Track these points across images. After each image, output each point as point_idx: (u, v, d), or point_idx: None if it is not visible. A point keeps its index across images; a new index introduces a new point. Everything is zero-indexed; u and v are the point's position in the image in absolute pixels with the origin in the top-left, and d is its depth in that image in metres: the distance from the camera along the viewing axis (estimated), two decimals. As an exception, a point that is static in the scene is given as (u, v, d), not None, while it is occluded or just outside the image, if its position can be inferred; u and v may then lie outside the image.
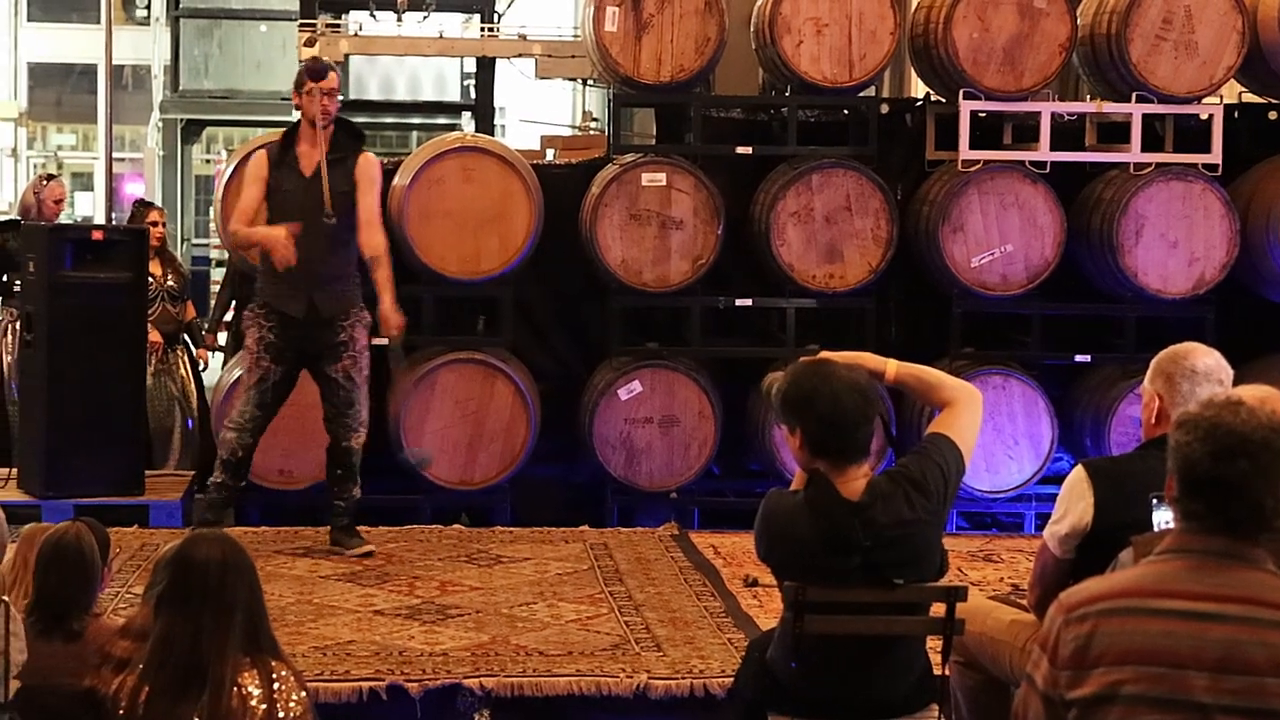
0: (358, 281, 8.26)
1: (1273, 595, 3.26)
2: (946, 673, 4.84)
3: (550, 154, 11.13)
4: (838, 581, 4.50)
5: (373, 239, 8.16)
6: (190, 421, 10.57)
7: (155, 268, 10.30)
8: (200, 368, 11.00)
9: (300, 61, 13.98)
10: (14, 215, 12.44)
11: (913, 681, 4.67)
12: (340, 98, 8.35)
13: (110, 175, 13.25)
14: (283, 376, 8.23)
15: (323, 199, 8.02)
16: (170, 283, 10.55)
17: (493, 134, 14.74)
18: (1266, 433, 3.29)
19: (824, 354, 4.77)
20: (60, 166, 32.16)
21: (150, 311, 10.16)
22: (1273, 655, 3.21)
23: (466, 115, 19.72)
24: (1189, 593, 3.28)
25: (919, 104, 10.24)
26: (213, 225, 16.86)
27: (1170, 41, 9.46)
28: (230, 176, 9.34)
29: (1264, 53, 9.56)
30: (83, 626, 4.88)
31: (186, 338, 10.82)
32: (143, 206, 11.05)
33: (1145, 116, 9.55)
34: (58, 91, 33.08)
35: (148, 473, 9.41)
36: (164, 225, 10.88)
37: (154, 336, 10.21)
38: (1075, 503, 4.77)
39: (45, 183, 11.01)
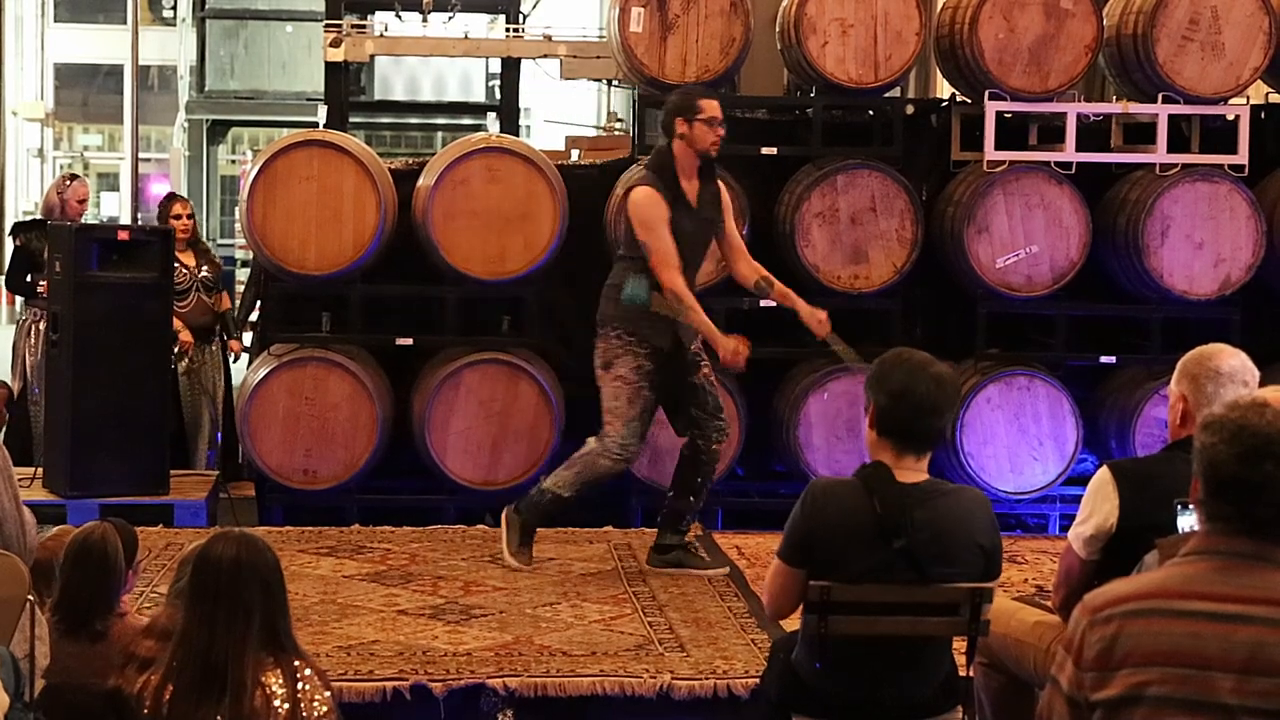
0: None
1: (1299, 597, 3.25)
2: (971, 674, 4.84)
3: (575, 154, 11.13)
4: (876, 567, 4.49)
5: (751, 265, 8.08)
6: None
7: (189, 259, 10.31)
8: (232, 359, 10.98)
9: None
10: (39, 215, 12.47)
11: (938, 683, 4.66)
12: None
13: (136, 175, 13.29)
14: (654, 405, 7.99)
15: (707, 235, 7.92)
16: (205, 273, 10.49)
17: (518, 134, 14.75)
18: (1292, 434, 3.29)
19: None
20: (86, 167, 32.31)
21: (185, 303, 10.16)
22: (1299, 657, 3.20)
23: (491, 116, 19.74)
24: (1215, 594, 3.28)
25: (944, 105, 10.22)
26: (238, 225, 16.88)
27: (1197, 42, 9.43)
28: (255, 177, 9.35)
29: (1291, 53, 9.54)
30: (107, 626, 4.90)
31: (221, 330, 10.77)
32: (170, 200, 11.03)
33: (1171, 117, 9.52)
34: (84, 92, 33.25)
35: (173, 472, 9.44)
36: (192, 217, 10.85)
37: (185, 336, 10.18)
38: (1100, 504, 4.76)
39: (69, 183, 10.99)
